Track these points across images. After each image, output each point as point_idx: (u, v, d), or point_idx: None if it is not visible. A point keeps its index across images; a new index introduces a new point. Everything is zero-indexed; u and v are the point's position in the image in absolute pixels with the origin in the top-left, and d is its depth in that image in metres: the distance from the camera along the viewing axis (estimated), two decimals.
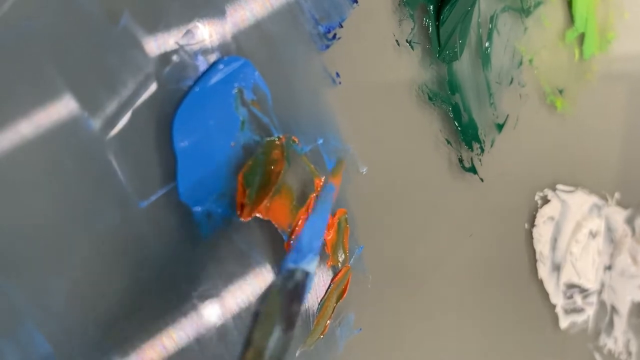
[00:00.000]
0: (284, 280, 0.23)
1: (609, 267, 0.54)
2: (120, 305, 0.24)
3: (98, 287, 0.24)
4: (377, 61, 0.33)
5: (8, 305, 0.21)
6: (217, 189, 0.26)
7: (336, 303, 0.32)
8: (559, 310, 0.50)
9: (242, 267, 0.28)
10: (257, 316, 0.22)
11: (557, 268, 0.49)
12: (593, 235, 0.52)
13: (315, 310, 0.31)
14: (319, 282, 0.31)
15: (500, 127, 0.41)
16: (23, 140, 0.21)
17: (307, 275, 0.24)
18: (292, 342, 0.23)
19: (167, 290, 0.26)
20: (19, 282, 0.22)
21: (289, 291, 0.23)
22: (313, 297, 0.31)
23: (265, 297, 0.23)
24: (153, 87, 0.24)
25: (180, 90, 0.25)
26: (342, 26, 0.30)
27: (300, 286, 0.24)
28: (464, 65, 0.37)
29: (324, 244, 0.31)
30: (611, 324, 0.55)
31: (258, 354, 0.22)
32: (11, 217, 0.21)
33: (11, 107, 0.21)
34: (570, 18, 0.46)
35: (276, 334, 0.22)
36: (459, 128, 0.37)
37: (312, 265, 0.24)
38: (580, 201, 0.50)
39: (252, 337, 0.22)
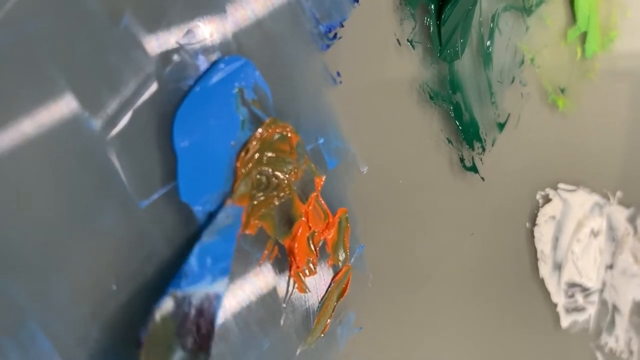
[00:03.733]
0: (176, 307, 0.23)
1: (610, 266, 0.54)
2: (122, 304, 0.24)
3: (99, 285, 0.24)
4: (378, 60, 0.33)
5: (10, 304, 0.22)
6: (217, 189, 0.26)
7: (337, 302, 0.32)
8: (560, 309, 0.50)
9: (242, 266, 0.28)
10: (139, 345, 0.22)
11: (558, 267, 0.49)
12: (594, 234, 0.52)
13: (315, 309, 0.31)
14: (320, 281, 0.31)
15: (501, 126, 0.41)
16: (25, 140, 0.21)
17: (213, 296, 0.24)
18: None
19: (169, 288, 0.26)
20: (20, 281, 0.22)
21: (186, 315, 0.23)
22: (314, 296, 0.31)
23: (149, 322, 0.23)
24: (154, 87, 0.24)
25: (181, 89, 0.25)
26: (343, 26, 0.30)
27: (204, 308, 0.24)
28: (465, 65, 0.37)
29: (325, 243, 0.31)
30: (612, 322, 0.55)
31: None
32: (12, 216, 0.21)
33: (13, 106, 0.21)
34: (573, 17, 0.46)
35: (176, 357, 0.23)
36: (460, 127, 0.37)
37: (218, 285, 0.25)
38: (581, 200, 0.50)
39: None
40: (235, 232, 0.26)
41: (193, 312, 0.24)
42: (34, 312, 0.22)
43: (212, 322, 0.24)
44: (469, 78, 0.38)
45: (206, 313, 0.24)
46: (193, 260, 0.24)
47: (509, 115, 0.41)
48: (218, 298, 0.25)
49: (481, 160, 0.40)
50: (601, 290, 0.53)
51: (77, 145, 0.23)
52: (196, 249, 0.25)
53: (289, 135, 0.28)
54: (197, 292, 0.24)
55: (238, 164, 0.27)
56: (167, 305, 0.23)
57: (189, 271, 0.24)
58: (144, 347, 0.22)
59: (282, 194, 0.29)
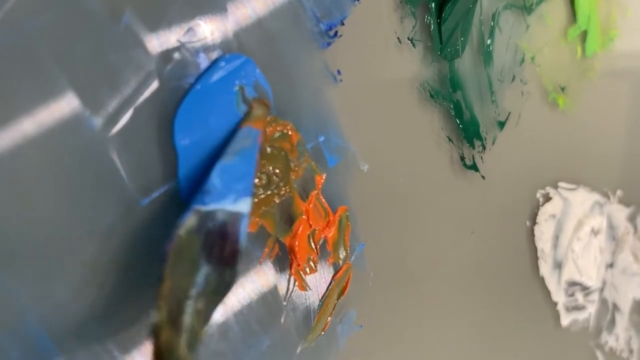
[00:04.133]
0: (199, 222, 0.23)
1: (610, 265, 0.54)
2: (122, 302, 0.24)
3: (100, 283, 0.24)
4: (379, 59, 0.33)
5: (10, 302, 0.22)
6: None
7: (337, 300, 0.32)
8: (560, 307, 0.50)
9: (243, 264, 0.28)
10: (164, 256, 0.22)
11: (558, 266, 0.49)
12: (595, 233, 0.52)
13: (316, 307, 0.31)
14: (321, 279, 0.31)
15: (502, 124, 0.41)
16: (26, 138, 0.21)
17: (237, 215, 0.24)
18: (235, 279, 0.24)
19: None
20: (21, 279, 0.22)
21: (210, 231, 0.24)
22: (314, 294, 0.31)
23: (173, 235, 0.23)
24: (155, 85, 0.24)
25: (182, 87, 0.25)
26: (343, 24, 0.30)
27: (228, 226, 0.24)
28: (465, 63, 0.37)
29: (326, 242, 0.31)
30: (613, 321, 0.55)
31: (177, 290, 0.22)
32: (13, 214, 0.21)
33: (14, 105, 0.21)
34: (573, 15, 0.46)
35: (202, 272, 0.23)
36: (460, 125, 0.37)
37: (240, 205, 0.25)
38: (582, 199, 0.50)
39: (164, 274, 0.22)
40: (255, 153, 0.26)
41: (217, 229, 0.24)
42: (35, 310, 0.22)
43: (237, 240, 0.24)
44: (470, 76, 0.38)
45: (231, 232, 0.24)
46: (215, 179, 0.24)
47: (509, 113, 0.41)
48: (243, 217, 0.25)
49: (481, 158, 0.40)
50: (601, 289, 0.54)
51: (78, 143, 0.23)
52: (217, 168, 0.25)
53: (290, 133, 0.28)
54: (221, 209, 0.24)
55: None
56: (190, 220, 0.23)
57: (212, 188, 0.24)
58: (168, 260, 0.22)
59: (282, 192, 0.29)
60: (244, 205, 0.25)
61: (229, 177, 0.25)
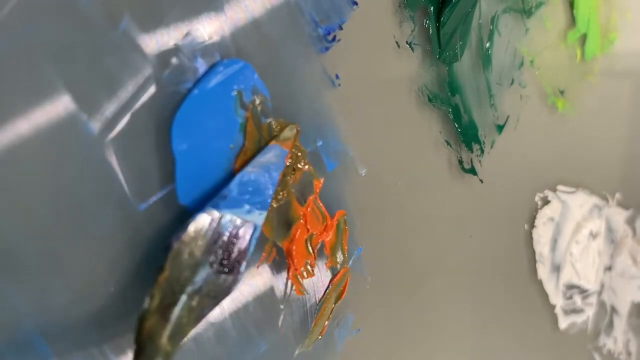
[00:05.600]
0: (210, 224, 0.24)
1: (609, 268, 0.54)
2: (120, 307, 0.24)
3: (97, 289, 0.24)
4: (377, 63, 0.33)
5: (8, 307, 0.22)
6: (215, 191, 0.26)
7: (335, 304, 0.32)
8: (558, 310, 0.50)
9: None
10: (168, 248, 0.24)
11: (556, 269, 0.49)
12: (593, 236, 0.52)
13: (313, 311, 0.31)
14: (318, 283, 0.31)
15: (500, 128, 0.41)
16: (23, 143, 0.21)
17: (250, 226, 0.25)
18: (235, 286, 0.25)
19: None
20: (18, 284, 0.22)
21: (220, 235, 0.24)
22: (312, 298, 0.31)
23: (181, 231, 0.24)
24: (152, 90, 0.24)
25: (180, 92, 0.25)
26: (342, 28, 0.30)
27: (239, 234, 0.25)
28: (464, 67, 0.37)
29: (323, 246, 0.31)
30: (611, 324, 0.55)
31: (174, 282, 0.23)
32: (11, 219, 0.21)
33: (11, 109, 0.21)
34: (572, 19, 0.46)
35: (203, 272, 0.24)
36: (459, 129, 0.37)
37: (254, 216, 0.26)
38: (580, 202, 0.50)
39: (165, 265, 0.23)
40: (278, 171, 0.27)
41: (227, 235, 0.25)
42: (32, 315, 0.22)
43: (245, 250, 0.25)
44: (468, 80, 0.38)
45: (241, 239, 0.25)
46: (233, 186, 0.25)
47: (508, 117, 0.41)
48: (255, 228, 0.25)
49: (480, 162, 0.40)
50: (599, 292, 0.54)
51: (76, 148, 0.23)
52: (238, 177, 0.26)
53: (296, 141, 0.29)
54: (234, 217, 0.25)
55: (236, 166, 0.27)
56: (202, 219, 0.24)
57: (228, 195, 0.25)
58: (172, 251, 0.23)
59: (280, 196, 0.29)
60: (258, 217, 0.26)
61: (247, 187, 0.26)
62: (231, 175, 0.27)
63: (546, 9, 0.43)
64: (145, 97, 0.24)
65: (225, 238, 0.25)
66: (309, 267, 0.31)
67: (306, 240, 0.30)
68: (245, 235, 0.25)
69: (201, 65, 0.25)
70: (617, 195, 0.53)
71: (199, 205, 0.25)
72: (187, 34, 0.25)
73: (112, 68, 0.23)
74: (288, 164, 0.29)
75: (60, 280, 0.23)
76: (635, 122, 0.53)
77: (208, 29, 0.26)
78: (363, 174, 0.33)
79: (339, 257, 0.32)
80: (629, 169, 0.54)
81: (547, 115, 0.45)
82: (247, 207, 0.25)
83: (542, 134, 0.45)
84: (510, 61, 0.41)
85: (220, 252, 0.24)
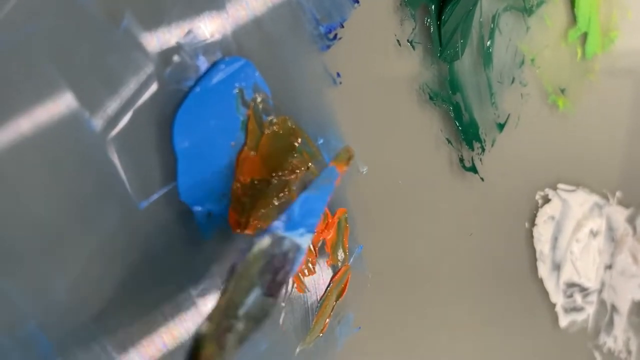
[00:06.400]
0: (271, 245, 0.24)
1: (609, 266, 0.54)
2: (121, 304, 0.24)
3: (99, 285, 0.24)
4: (378, 61, 0.33)
5: (9, 303, 0.22)
6: (217, 189, 0.26)
7: (335, 302, 0.33)
8: (558, 309, 0.50)
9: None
10: (233, 269, 0.23)
11: (557, 267, 0.49)
12: (594, 234, 0.52)
13: (314, 309, 0.31)
14: (319, 281, 0.32)
15: (501, 126, 0.41)
16: (25, 140, 0.21)
17: (297, 248, 0.25)
18: (274, 310, 0.24)
19: (168, 288, 0.26)
20: (20, 281, 0.22)
21: (274, 257, 0.24)
22: (313, 296, 0.31)
23: (246, 252, 0.23)
24: (154, 88, 0.24)
25: (181, 90, 0.25)
26: (343, 26, 0.30)
27: (288, 256, 0.24)
28: (465, 65, 0.37)
29: (324, 243, 0.31)
30: (611, 322, 0.55)
31: (232, 306, 0.22)
32: (13, 217, 0.21)
33: (13, 107, 0.21)
34: (573, 17, 0.46)
35: (254, 294, 0.23)
36: (459, 128, 0.38)
37: (304, 239, 0.25)
38: (581, 200, 0.50)
39: (227, 287, 0.22)
40: (329, 193, 0.27)
41: (279, 256, 0.24)
42: (34, 312, 0.22)
43: (289, 272, 0.24)
44: (469, 78, 0.38)
45: (288, 262, 0.24)
46: (297, 208, 0.25)
47: (508, 115, 0.41)
48: (300, 251, 0.25)
49: (481, 160, 0.40)
50: (600, 290, 0.54)
51: (78, 145, 0.23)
52: (301, 198, 0.25)
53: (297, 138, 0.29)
54: (289, 238, 0.24)
55: (237, 164, 0.27)
56: (265, 241, 0.24)
57: (292, 217, 0.25)
58: (235, 273, 0.23)
59: (281, 194, 0.29)
60: (306, 241, 0.25)
61: (306, 209, 0.25)
62: (233, 172, 0.27)
63: (547, 7, 0.43)
64: (147, 95, 0.24)
65: (278, 260, 0.24)
66: (310, 265, 0.31)
67: None
68: (293, 257, 0.25)
69: (203, 63, 0.25)
70: (618, 194, 0.53)
71: (200, 203, 0.25)
72: (189, 32, 0.25)
73: (114, 66, 0.23)
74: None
75: (62, 278, 0.23)
76: (636, 121, 0.53)
77: (210, 27, 0.26)
78: (364, 172, 0.33)
79: (340, 255, 0.32)
80: (630, 167, 0.54)
81: (548, 114, 0.45)
82: (301, 230, 0.25)
83: (542, 132, 0.45)
84: (511, 59, 0.41)
85: (269, 274, 0.24)
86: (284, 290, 0.24)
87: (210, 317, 0.21)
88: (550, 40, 0.44)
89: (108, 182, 0.23)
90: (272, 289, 0.24)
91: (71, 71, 0.22)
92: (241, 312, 0.22)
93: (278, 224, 0.24)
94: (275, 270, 0.24)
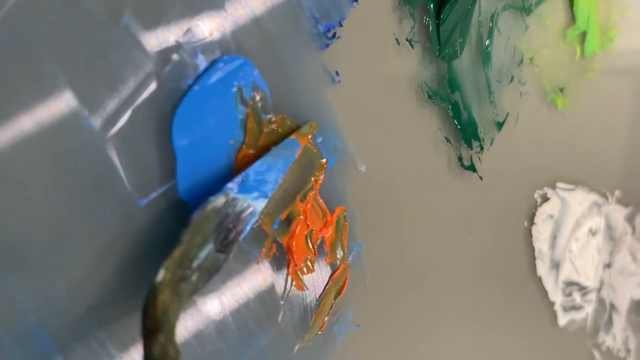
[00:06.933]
0: (224, 205, 0.25)
1: (608, 265, 0.54)
2: (121, 301, 0.25)
3: (98, 283, 0.24)
4: (377, 60, 0.33)
5: (10, 301, 0.22)
6: (216, 187, 0.26)
7: (334, 300, 0.33)
8: (557, 307, 0.50)
9: (240, 264, 0.28)
10: (189, 222, 0.24)
11: (556, 266, 0.49)
12: (593, 233, 0.52)
13: (313, 307, 0.32)
14: (318, 279, 0.32)
15: (500, 125, 0.41)
16: (25, 138, 0.22)
17: (251, 210, 0.26)
18: (223, 265, 0.25)
19: None
20: (20, 278, 0.22)
21: (227, 216, 0.25)
22: (312, 294, 0.31)
23: (202, 208, 0.24)
24: (153, 86, 0.24)
25: (180, 88, 0.25)
26: (342, 25, 0.30)
27: (240, 217, 0.26)
28: (464, 64, 0.37)
29: (323, 242, 0.31)
30: (610, 321, 0.55)
31: (185, 257, 0.24)
32: (12, 214, 0.22)
33: (12, 105, 0.21)
34: (572, 16, 0.46)
35: (207, 249, 0.24)
36: (458, 126, 0.38)
37: (258, 203, 0.26)
38: (580, 199, 0.50)
39: (182, 240, 0.24)
40: (288, 164, 0.28)
41: (233, 216, 0.25)
42: (34, 310, 0.22)
43: (241, 232, 0.26)
44: (468, 77, 0.38)
45: (241, 222, 0.26)
46: (252, 172, 0.26)
47: (507, 114, 0.41)
48: (253, 214, 0.26)
49: (479, 159, 0.40)
50: (599, 289, 0.54)
51: (77, 143, 0.23)
52: (257, 163, 0.27)
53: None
54: (242, 200, 0.26)
55: (237, 162, 0.27)
56: (219, 200, 0.25)
57: (246, 180, 0.26)
58: (189, 227, 0.24)
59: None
60: (260, 205, 0.27)
61: (261, 175, 0.27)
62: (232, 171, 0.27)
63: (546, 6, 0.43)
64: (146, 93, 0.24)
65: (230, 219, 0.25)
66: (308, 263, 0.31)
67: (306, 236, 0.30)
68: (246, 219, 0.26)
69: (202, 62, 0.26)
70: (617, 193, 0.53)
71: (200, 201, 0.26)
72: (188, 31, 0.25)
73: (113, 64, 0.23)
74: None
75: (61, 275, 0.23)
76: (635, 120, 0.53)
77: (208, 25, 0.26)
78: (363, 171, 0.33)
79: (339, 253, 0.32)
80: (629, 166, 0.54)
81: (547, 113, 0.45)
82: (255, 193, 0.26)
83: (541, 131, 0.45)
84: (510, 58, 0.41)
85: (224, 232, 0.25)
86: (234, 248, 0.26)
87: (166, 267, 0.23)
88: (549, 39, 0.44)
89: (107, 180, 0.24)
90: (224, 246, 0.25)
91: (70, 69, 0.22)
92: (195, 264, 0.24)
93: (232, 185, 0.25)
94: (228, 229, 0.25)
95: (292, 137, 0.28)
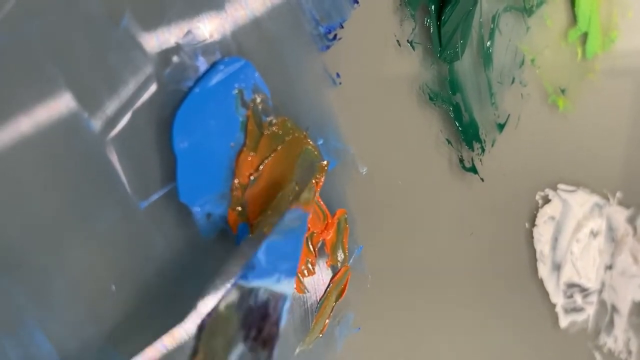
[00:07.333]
0: (241, 298, 0.23)
1: (609, 267, 0.54)
2: (121, 304, 0.24)
3: (98, 286, 0.24)
4: (378, 61, 0.33)
5: (9, 304, 0.22)
6: (216, 190, 0.26)
7: (335, 302, 0.33)
8: (559, 309, 0.50)
9: (241, 267, 0.28)
10: (201, 329, 0.22)
11: (557, 267, 0.49)
12: (594, 234, 0.52)
13: (314, 310, 0.31)
14: (319, 281, 0.32)
15: (501, 127, 0.41)
16: (24, 140, 0.21)
17: (279, 296, 0.24)
18: None
19: (167, 289, 0.26)
20: (20, 281, 0.22)
21: (251, 309, 0.23)
22: (312, 297, 0.31)
23: (212, 311, 0.22)
24: (153, 88, 0.24)
25: (181, 91, 0.25)
26: (342, 27, 0.30)
27: (269, 306, 0.24)
28: (465, 65, 0.37)
29: (324, 244, 0.31)
30: (611, 323, 0.55)
31: None
32: (12, 217, 0.21)
33: (12, 107, 0.21)
34: (573, 17, 0.46)
35: (237, 349, 0.22)
36: (459, 128, 0.38)
37: (284, 285, 0.24)
38: (581, 201, 0.50)
39: (198, 348, 0.22)
40: (302, 235, 0.26)
41: (258, 308, 0.23)
42: (34, 312, 0.22)
43: (277, 322, 0.24)
44: (469, 79, 0.38)
45: (272, 312, 0.24)
46: (261, 255, 0.24)
47: (508, 116, 0.41)
48: (284, 299, 0.24)
49: (480, 161, 0.40)
50: (600, 291, 0.54)
51: (77, 145, 0.23)
52: (263, 246, 0.24)
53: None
54: (264, 287, 0.24)
55: (237, 165, 0.27)
56: (232, 296, 0.23)
57: (257, 265, 0.24)
58: (204, 332, 0.22)
59: (280, 192, 0.29)
60: (287, 286, 0.24)
61: (274, 255, 0.24)
62: (232, 173, 0.27)
63: (547, 7, 0.43)
64: (146, 96, 0.24)
65: (257, 312, 0.23)
66: (309, 266, 0.31)
67: (307, 239, 0.30)
68: (276, 306, 0.24)
69: (202, 64, 0.25)
70: (618, 194, 0.53)
71: (199, 203, 0.25)
72: (188, 32, 0.25)
73: (113, 66, 0.23)
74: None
75: (61, 277, 0.23)
76: (637, 121, 0.53)
77: (209, 27, 0.26)
78: (364, 173, 0.33)
79: (340, 255, 0.32)
80: (630, 167, 0.54)
81: (548, 114, 0.45)
82: (276, 275, 0.24)
83: (543, 132, 0.45)
84: (511, 60, 0.41)
85: (253, 327, 0.23)
86: (276, 341, 0.24)
87: None
88: (550, 40, 0.44)
89: (108, 182, 0.23)
90: (263, 341, 0.23)
91: (70, 71, 0.22)
92: None
93: (242, 276, 0.23)
94: (260, 322, 0.23)
95: (294, 207, 0.26)
